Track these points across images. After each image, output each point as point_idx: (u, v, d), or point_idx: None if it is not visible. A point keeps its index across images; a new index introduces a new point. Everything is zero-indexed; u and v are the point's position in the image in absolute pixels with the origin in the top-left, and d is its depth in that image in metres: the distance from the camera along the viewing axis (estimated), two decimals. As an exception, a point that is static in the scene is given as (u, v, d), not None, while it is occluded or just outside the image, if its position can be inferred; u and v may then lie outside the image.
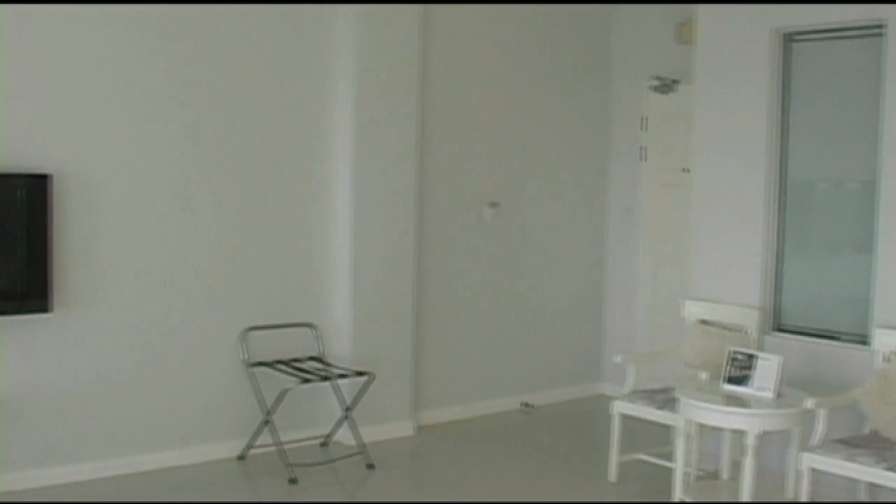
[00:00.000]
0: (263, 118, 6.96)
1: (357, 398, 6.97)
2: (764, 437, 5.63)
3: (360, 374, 6.88)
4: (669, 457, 6.32)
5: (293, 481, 6.39)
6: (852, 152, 6.47)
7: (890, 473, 5.20)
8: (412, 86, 7.50)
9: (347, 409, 6.99)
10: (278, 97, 7.02)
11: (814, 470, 5.48)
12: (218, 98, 6.74)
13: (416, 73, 7.53)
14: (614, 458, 6.61)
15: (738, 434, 6.01)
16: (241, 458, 6.83)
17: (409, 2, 7.43)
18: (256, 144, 6.93)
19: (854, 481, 5.79)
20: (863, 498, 5.89)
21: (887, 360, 5.88)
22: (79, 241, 6.22)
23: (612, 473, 6.61)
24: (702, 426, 6.12)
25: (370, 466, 6.78)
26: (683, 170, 8.23)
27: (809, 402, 5.54)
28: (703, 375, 6.28)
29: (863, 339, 6.23)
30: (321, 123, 7.22)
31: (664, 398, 6.42)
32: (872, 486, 5.80)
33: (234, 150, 6.83)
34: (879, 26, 6.12)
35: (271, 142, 7.01)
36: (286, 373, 6.73)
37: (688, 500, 5.93)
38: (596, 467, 6.87)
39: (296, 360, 7.02)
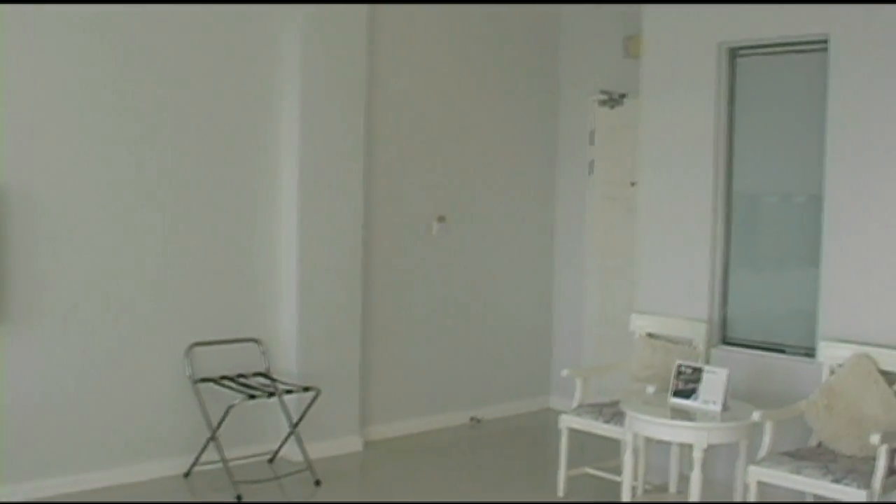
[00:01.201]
0: (208, 132, 6.89)
1: (304, 414, 6.91)
2: (711, 450, 5.64)
3: (307, 389, 6.83)
4: (617, 471, 6.32)
5: (239, 498, 6.31)
6: (798, 166, 6.52)
7: (836, 485, 5.23)
8: (359, 101, 7.47)
9: (294, 425, 6.92)
10: (223, 109, 6.96)
11: (761, 483, 5.50)
12: (162, 110, 6.66)
13: (364, 91, 7.50)
14: (562, 473, 6.60)
15: (686, 447, 6.02)
16: (187, 475, 6.75)
17: (355, 1, 7.39)
18: (201, 158, 6.86)
19: (801, 493, 5.80)
20: (809, 510, 5.93)
21: (833, 372, 5.91)
22: (19, 255, 6.11)
23: (560, 488, 6.60)
24: (649, 440, 6.12)
25: (317, 483, 6.72)
26: (631, 183, 8.26)
27: (756, 415, 5.56)
28: (651, 389, 6.28)
29: (809, 352, 6.27)
30: (267, 137, 7.17)
31: (611, 412, 6.42)
32: (818, 499, 5.82)
33: (178, 163, 6.75)
34: (823, 41, 6.17)
35: (216, 155, 6.94)
36: (232, 389, 6.66)
37: (636, 513, 5.93)
38: (544, 482, 6.86)
39: (242, 375, 6.95)
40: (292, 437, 6.96)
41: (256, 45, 7.08)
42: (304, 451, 6.84)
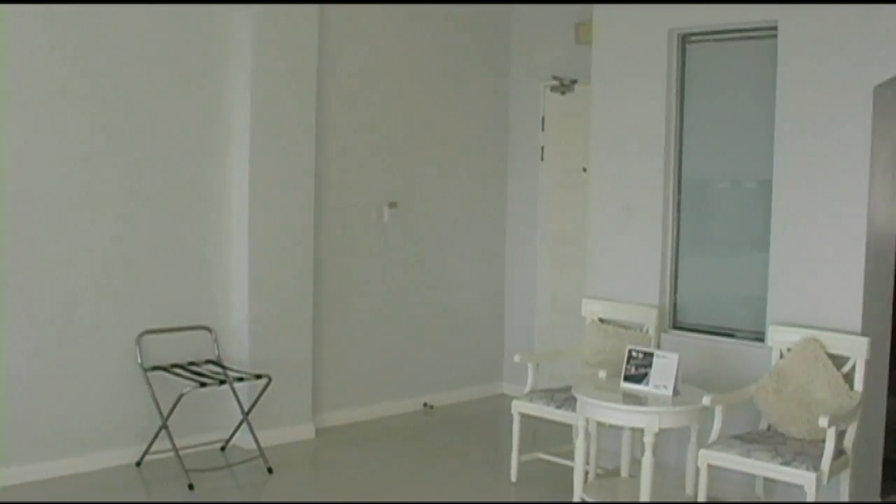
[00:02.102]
0: (158, 119, 6.83)
1: (255, 401, 6.88)
2: (662, 434, 5.67)
3: (259, 376, 6.80)
4: (569, 455, 6.34)
5: (191, 487, 6.28)
6: (748, 152, 6.55)
7: (785, 468, 5.28)
8: (309, 86, 7.44)
9: (246, 413, 6.89)
10: (173, 97, 6.90)
11: (711, 466, 5.54)
12: (112, 101, 6.59)
13: (314, 74, 7.46)
14: (514, 458, 6.62)
15: (637, 432, 6.06)
16: (138, 464, 6.70)
17: (305, 1, 7.36)
18: (151, 146, 6.80)
19: (751, 476, 5.86)
20: (760, 492, 5.97)
21: (782, 356, 5.96)
22: (-34, 245, 6.05)
23: (513, 473, 6.62)
24: (601, 424, 6.15)
25: (270, 471, 6.69)
26: (582, 169, 8.28)
27: (706, 399, 5.59)
28: (602, 374, 6.30)
29: (759, 336, 6.31)
30: (217, 124, 7.12)
31: (563, 397, 6.44)
32: (769, 481, 5.89)
33: (128, 151, 6.69)
34: (773, 28, 6.21)
35: (166, 143, 6.88)
36: (183, 377, 6.62)
37: (588, 498, 5.95)
38: (497, 467, 6.88)
39: (193, 363, 6.91)
40: (244, 425, 6.93)
41: (207, 34, 7.02)
42: (256, 439, 6.81)
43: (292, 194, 7.37)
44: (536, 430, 6.94)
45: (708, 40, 6.67)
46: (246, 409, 6.90)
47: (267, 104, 7.17)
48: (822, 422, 5.20)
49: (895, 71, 5.67)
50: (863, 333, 5.77)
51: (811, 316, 5.97)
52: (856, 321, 5.82)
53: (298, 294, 7.47)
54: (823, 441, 5.30)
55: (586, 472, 6.08)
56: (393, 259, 8.33)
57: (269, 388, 6.84)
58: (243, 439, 7.02)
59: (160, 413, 6.58)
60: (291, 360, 7.40)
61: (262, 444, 6.83)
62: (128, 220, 6.72)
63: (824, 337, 5.82)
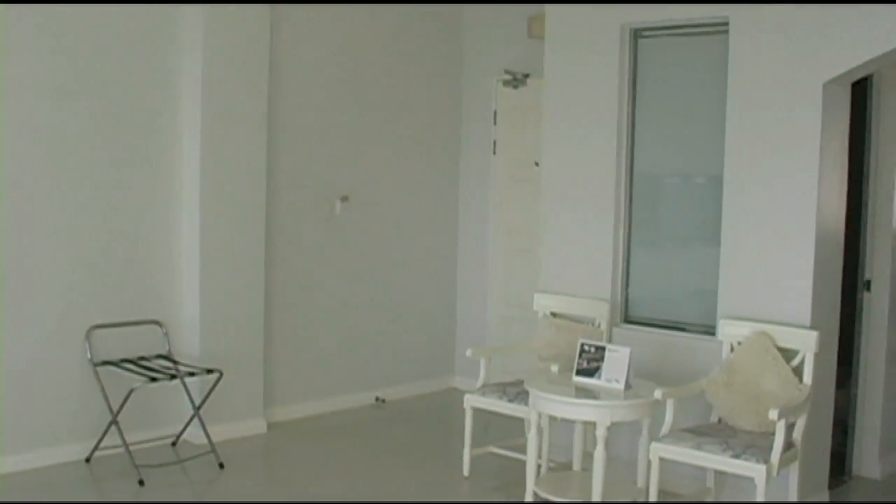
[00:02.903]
0: (108, 114, 6.77)
1: (206, 396, 6.85)
2: (614, 427, 5.70)
3: (210, 371, 6.76)
4: (522, 449, 6.36)
5: (141, 483, 6.23)
6: (699, 147, 6.58)
7: (736, 461, 5.33)
8: (261, 79, 7.40)
9: (197, 408, 6.85)
10: (123, 92, 6.84)
11: (663, 459, 5.57)
12: (60, 96, 6.53)
13: (265, 67, 7.42)
14: (467, 452, 6.63)
15: (589, 425, 6.08)
16: (88, 460, 6.64)
17: (256, 1, 7.32)
18: (101, 138, 6.74)
19: (702, 469, 5.90)
20: (710, 484, 6.01)
21: (732, 350, 6.00)
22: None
23: (466, 467, 6.63)
24: (553, 418, 6.18)
25: (221, 466, 6.66)
26: (534, 163, 8.30)
27: (658, 393, 5.62)
28: (554, 368, 6.32)
29: (709, 330, 6.34)
30: (167, 118, 7.07)
31: (515, 391, 6.45)
32: (719, 474, 5.93)
33: (77, 145, 6.63)
34: (725, 23, 6.24)
35: (116, 136, 6.83)
36: (133, 372, 6.57)
37: (540, 491, 5.97)
38: (449, 461, 6.89)
39: (143, 358, 6.86)
40: (195, 420, 6.89)
41: (158, 28, 6.97)
42: (207, 434, 6.78)
43: (244, 188, 7.33)
44: (488, 424, 6.95)
45: (660, 35, 6.69)
46: (197, 403, 6.86)
47: (218, 98, 7.13)
48: (773, 414, 5.25)
49: (844, 67, 5.72)
50: (812, 327, 5.82)
51: (761, 310, 6.01)
52: (805, 315, 5.87)
53: (250, 288, 7.43)
54: (773, 434, 5.34)
55: (538, 466, 6.10)
56: (345, 253, 8.31)
57: (221, 382, 6.80)
58: (194, 434, 6.98)
59: (110, 408, 6.53)
60: (243, 355, 7.37)
61: (214, 439, 6.79)
62: (77, 214, 6.65)
63: (774, 331, 5.86)
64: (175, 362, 6.87)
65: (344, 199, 8.19)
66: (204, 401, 6.85)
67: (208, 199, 7.12)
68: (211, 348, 7.16)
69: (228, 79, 7.19)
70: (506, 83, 8.73)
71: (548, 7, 7.15)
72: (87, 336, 6.65)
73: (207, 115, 7.08)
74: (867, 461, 6.91)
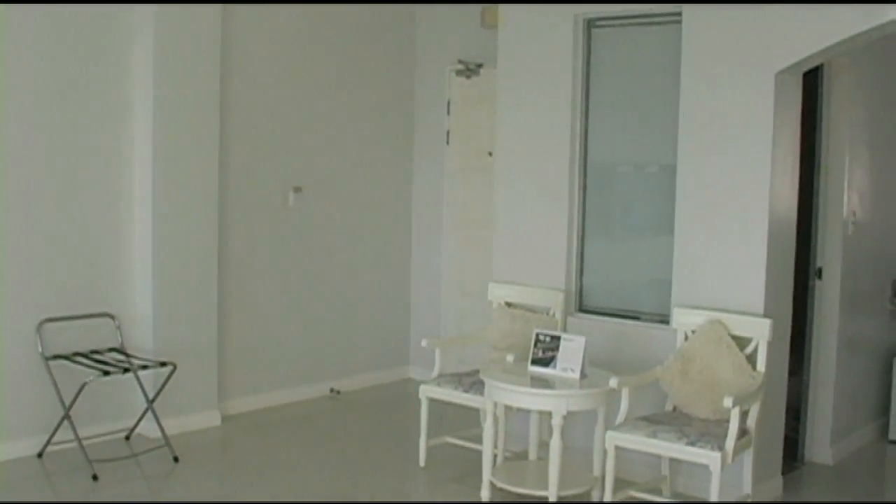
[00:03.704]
0: (59, 106, 6.70)
1: (160, 389, 6.80)
2: (570, 416, 5.72)
3: (163, 364, 6.71)
4: (478, 439, 6.36)
5: (95, 478, 6.18)
6: (652, 136, 6.61)
7: (691, 448, 5.36)
8: (212, 71, 7.34)
9: (150, 401, 6.80)
10: (74, 84, 6.77)
11: (618, 447, 5.60)
12: (11, 88, 6.44)
13: (217, 59, 7.37)
14: (423, 442, 6.63)
15: (545, 415, 6.10)
16: (40, 455, 6.57)
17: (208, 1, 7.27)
18: (51, 129, 6.67)
19: (657, 457, 5.94)
20: (665, 472, 6.05)
21: (687, 338, 6.03)
22: None
23: (421, 458, 6.63)
24: (509, 408, 6.18)
25: (175, 459, 6.61)
26: (488, 153, 8.30)
27: (613, 382, 5.64)
28: (510, 358, 6.33)
29: (663, 319, 6.38)
30: (119, 109, 7.00)
31: (471, 381, 6.46)
32: (674, 461, 5.97)
33: (28, 136, 6.55)
34: (678, 13, 6.26)
35: (68, 127, 6.75)
36: (85, 365, 6.51)
37: (496, 481, 5.97)
38: (405, 452, 6.89)
39: (95, 351, 6.80)
40: (149, 414, 6.83)
41: (109, 16, 6.89)
42: (161, 428, 6.73)
43: (196, 180, 7.28)
44: (444, 415, 6.95)
45: (613, 25, 6.70)
46: (151, 397, 6.80)
47: (170, 89, 7.07)
48: (727, 402, 5.28)
49: (796, 57, 5.76)
50: (765, 315, 5.86)
51: (715, 298, 6.05)
52: (758, 303, 5.91)
53: (203, 280, 7.39)
54: (727, 421, 5.38)
55: (494, 456, 6.10)
56: (298, 244, 8.28)
57: (174, 375, 6.76)
58: (148, 428, 6.92)
59: (62, 403, 6.46)
60: (196, 347, 7.32)
61: (168, 432, 6.74)
62: (27, 206, 6.58)
63: (728, 319, 5.90)
64: (128, 355, 6.81)
65: (297, 190, 8.15)
66: (158, 394, 6.80)
67: (161, 190, 7.06)
68: (164, 341, 7.11)
69: (179, 70, 7.12)
70: (459, 73, 8.72)
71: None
72: (39, 329, 6.58)
73: (159, 108, 7.01)
74: (819, 447, 6.98)
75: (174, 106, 7.10)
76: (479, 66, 8.56)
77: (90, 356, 6.70)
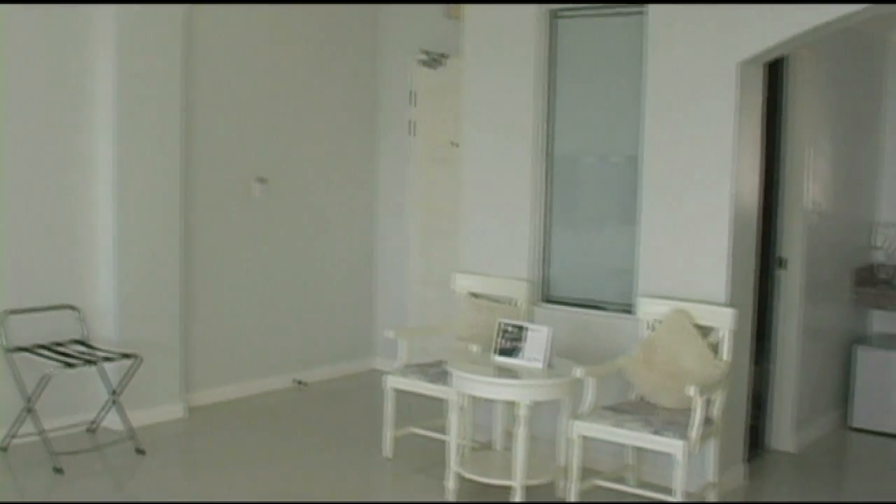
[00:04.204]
0: (21, 96, 6.64)
1: (124, 382, 6.76)
2: (535, 406, 5.74)
3: (127, 356, 6.67)
4: (443, 429, 6.37)
5: (59, 471, 6.14)
6: (617, 127, 6.62)
7: (656, 437, 5.39)
8: (176, 61, 7.29)
9: (114, 394, 6.77)
10: (38, 74, 6.71)
11: (584, 437, 5.62)
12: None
13: (180, 48, 7.32)
14: (388, 433, 6.63)
15: (510, 405, 6.11)
16: (3, 449, 6.52)
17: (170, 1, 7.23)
18: (12, 122, 6.61)
19: (622, 446, 5.97)
20: (631, 461, 6.08)
21: (651, 328, 6.06)
22: None
23: (387, 448, 6.64)
24: (474, 398, 6.19)
25: (140, 452, 6.59)
26: (452, 144, 8.30)
27: (578, 372, 5.66)
28: (475, 348, 6.33)
29: (628, 309, 6.40)
30: (81, 100, 6.95)
31: (436, 372, 6.47)
32: (639, 451, 6.00)
33: (-14, 125, 6.51)
34: (642, 4, 6.27)
35: (30, 118, 6.70)
36: (48, 357, 6.47)
37: (462, 471, 5.98)
38: (370, 443, 6.88)
39: (58, 344, 6.75)
40: (113, 406, 6.80)
41: (69, 6, 6.85)
42: (125, 420, 6.71)
43: (159, 171, 7.24)
44: (410, 405, 6.95)
45: (578, 16, 6.71)
46: (115, 389, 6.77)
47: (131, 80, 7.02)
48: (691, 391, 5.32)
49: (759, 48, 5.79)
50: (729, 305, 5.90)
51: (679, 288, 6.08)
52: (722, 293, 5.95)
53: (167, 271, 7.35)
54: (692, 410, 5.41)
55: (460, 446, 6.11)
56: (263, 235, 8.25)
57: (139, 367, 6.72)
58: (112, 420, 6.89)
59: (25, 395, 6.42)
60: (161, 339, 7.29)
61: (132, 424, 6.72)
62: (-12, 198, 6.53)
63: (692, 308, 5.93)
64: (91, 347, 6.78)
65: (261, 180, 8.13)
66: (122, 386, 6.77)
67: (123, 182, 7.01)
68: (128, 333, 7.07)
69: (141, 61, 7.07)
70: (423, 63, 8.71)
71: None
72: (1, 322, 6.53)
73: (121, 99, 6.97)
74: (782, 435, 7.04)
75: (136, 97, 7.06)
76: (444, 56, 8.55)
77: (53, 348, 6.66)
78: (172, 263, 7.38)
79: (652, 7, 6.19)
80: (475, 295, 6.95)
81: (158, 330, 7.29)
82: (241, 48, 7.97)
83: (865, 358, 7.62)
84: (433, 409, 6.90)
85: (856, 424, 7.64)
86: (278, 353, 8.44)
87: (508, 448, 6.24)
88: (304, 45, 8.46)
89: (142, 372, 6.79)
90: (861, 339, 7.94)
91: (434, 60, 8.61)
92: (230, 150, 7.94)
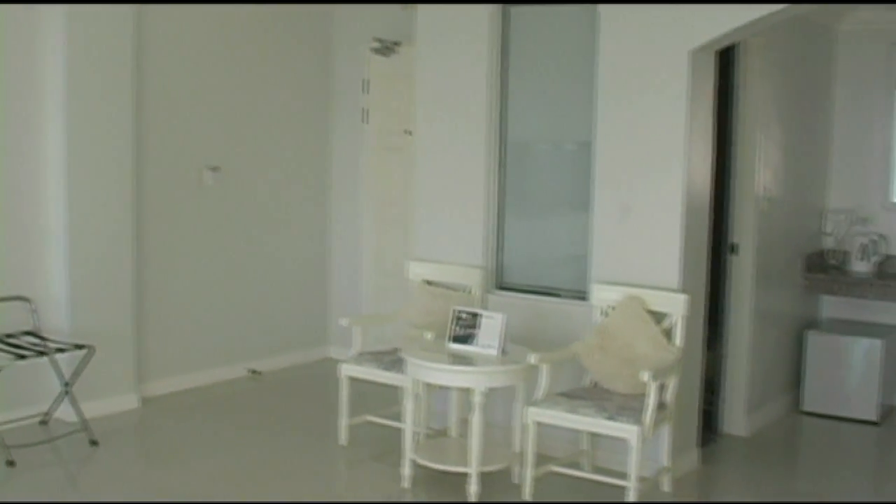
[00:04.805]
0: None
1: (77, 373, 6.71)
2: (490, 393, 5.76)
3: (80, 347, 6.63)
4: (398, 417, 6.38)
5: (11, 464, 6.09)
6: (570, 114, 6.64)
7: (610, 422, 5.43)
8: (127, 50, 7.24)
9: (67, 385, 6.72)
10: (-18, 59, 6.66)
11: (539, 423, 5.65)
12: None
13: (131, 36, 7.26)
14: (343, 421, 6.64)
15: (465, 392, 6.13)
16: (-47, 441, 6.48)
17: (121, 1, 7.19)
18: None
19: (577, 432, 6.01)
20: (585, 446, 6.12)
21: (605, 314, 6.09)
22: None
23: (343, 437, 6.64)
24: (429, 386, 6.20)
25: (94, 443, 6.55)
26: (406, 132, 8.30)
27: (532, 358, 5.69)
28: (429, 335, 6.34)
29: (582, 295, 6.43)
30: (31, 88, 6.88)
31: (391, 359, 6.47)
32: (594, 436, 6.04)
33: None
34: (594, 2, 6.29)
35: (-24, 106, 6.64)
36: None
37: (418, 459, 5.99)
38: (326, 431, 6.88)
39: (9, 335, 6.69)
40: (66, 398, 6.75)
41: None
42: (78, 411, 6.66)
43: (111, 160, 7.19)
44: (364, 393, 6.95)
45: (530, 2, 6.72)
46: (67, 380, 6.72)
47: (82, 69, 6.96)
48: (644, 377, 5.36)
49: (711, 36, 5.83)
50: (681, 291, 5.94)
51: (632, 274, 6.12)
52: (674, 279, 6.00)
53: (119, 261, 7.30)
54: (646, 395, 5.45)
55: (416, 434, 6.12)
56: (216, 223, 8.21)
57: (92, 358, 6.67)
58: (65, 412, 6.83)
59: (-24, 387, 6.38)
60: (114, 329, 7.24)
61: (86, 416, 6.67)
62: (-63, 188, 6.46)
63: (645, 294, 5.98)
64: (44, 339, 6.72)
65: (214, 169, 8.08)
66: (74, 377, 6.71)
67: (75, 171, 6.96)
68: (81, 323, 7.02)
69: (92, 50, 7.01)
70: (376, 51, 8.69)
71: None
72: (-49, 314, 6.49)
73: (72, 88, 6.91)
74: (735, 419, 7.11)
75: (87, 86, 7.00)
76: (397, 44, 8.54)
77: (4, 340, 6.60)
78: (125, 253, 7.33)
79: (604, -4, 6.22)
80: (429, 282, 6.96)
81: (111, 320, 7.24)
82: (192, 36, 7.92)
83: (816, 343, 7.71)
84: (388, 397, 6.90)
85: (806, 408, 7.72)
86: (232, 342, 8.41)
87: (463, 435, 6.25)
88: (256, 33, 8.42)
89: (95, 363, 6.74)
90: (812, 324, 8.03)
91: (387, 48, 8.60)
92: (182, 139, 7.89)
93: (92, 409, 6.86)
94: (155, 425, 7.19)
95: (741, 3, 5.65)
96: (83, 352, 6.63)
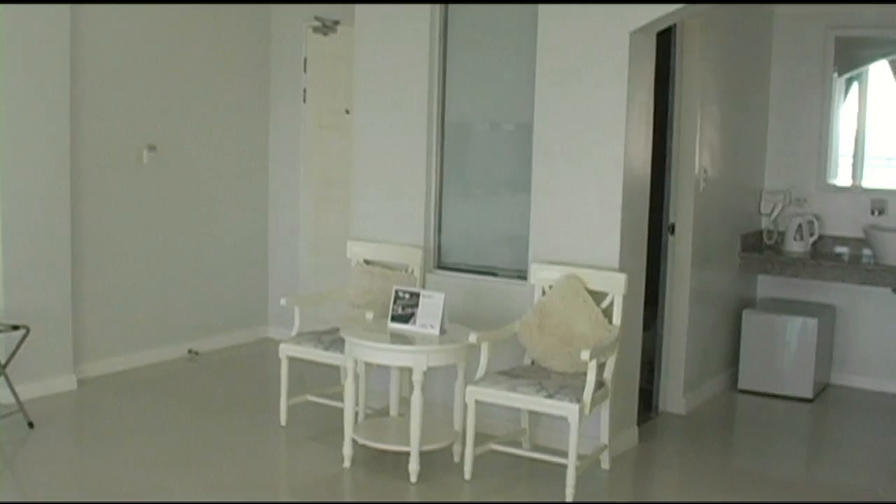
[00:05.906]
0: None
1: (12, 354, 6.62)
2: (430, 372, 5.75)
3: (15, 327, 6.55)
4: (339, 397, 6.38)
5: (-55, 445, 6.04)
6: (510, 95, 6.65)
7: (550, 401, 5.46)
8: (65, 28, 7.13)
9: (2, 366, 6.63)
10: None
11: (478, 402, 5.67)
12: None
13: (68, 17, 7.16)
14: (283, 401, 6.62)
15: (406, 371, 6.14)
16: None
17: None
18: None
19: (517, 410, 6.04)
20: (525, 425, 6.15)
21: (544, 293, 6.12)
22: None
23: (283, 417, 6.62)
24: (369, 365, 6.21)
25: (31, 425, 6.47)
26: (345, 111, 8.27)
27: (472, 337, 5.70)
28: (369, 315, 6.34)
29: (521, 275, 6.45)
30: (-37, 63, 6.79)
31: (331, 339, 6.46)
32: (533, 414, 6.07)
33: None
34: (534, 2, 6.30)
35: None
36: (-67, 330, 6.34)
37: (358, 438, 5.99)
38: (266, 411, 6.87)
39: (-57, 316, 6.62)
40: (1, 379, 6.66)
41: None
42: (14, 393, 6.57)
43: (46, 138, 7.09)
44: (304, 373, 6.95)
45: (471, 2, 6.70)
46: (3, 361, 6.64)
47: (18, 45, 6.85)
48: (584, 355, 5.39)
49: (650, 17, 5.86)
50: (620, 270, 5.98)
51: (571, 254, 6.15)
52: (614, 258, 6.03)
53: (55, 240, 7.21)
54: (585, 374, 5.49)
55: (356, 413, 6.12)
56: (154, 203, 8.14)
57: (27, 339, 6.59)
58: (1, 394, 6.75)
59: None
60: (50, 310, 7.16)
61: (22, 397, 6.59)
62: None
63: (584, 274, 6.00)
64: (-22, 319, 6.65)
65: (151, 148, 8.00)
66: (10, 358, 6.63)
67: (8, 148, 6.86)
68: (16, 303, 6.93)
69: (28, 31, 6.90)
70: (316, 30, 8.64)
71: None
72: None
73: (7, 65, 6.80)
74: (672, 398, 7.19)
75: (22, 64, 6.89)
76: (336, 23, 8.50)
77: (-63, 321, 6.52)
78: (61, 231, 7.24)
79: (544, -25, 6.23)
80: (369, 262, 6.95)
81: (47, 300, 7.16)
82: (130, 15, 7.81)
83: (752, 321, 7.80)
84: (328, 377, 6.90)
85: (743, 386, 7.82)
86: (171, 322, 8.35)
87: (404, 414, 6.26)
88: (195, 11, 8.33)
89: (31, 343, 6.66)
90: (748, 303, 8.13)
91: (326, 27, 8.55)
92: (119, 118, 7.80)
93: (28, 390, 6.78)
94: (93, 406, 7.13)
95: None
96: (19, 332, 6.55)
